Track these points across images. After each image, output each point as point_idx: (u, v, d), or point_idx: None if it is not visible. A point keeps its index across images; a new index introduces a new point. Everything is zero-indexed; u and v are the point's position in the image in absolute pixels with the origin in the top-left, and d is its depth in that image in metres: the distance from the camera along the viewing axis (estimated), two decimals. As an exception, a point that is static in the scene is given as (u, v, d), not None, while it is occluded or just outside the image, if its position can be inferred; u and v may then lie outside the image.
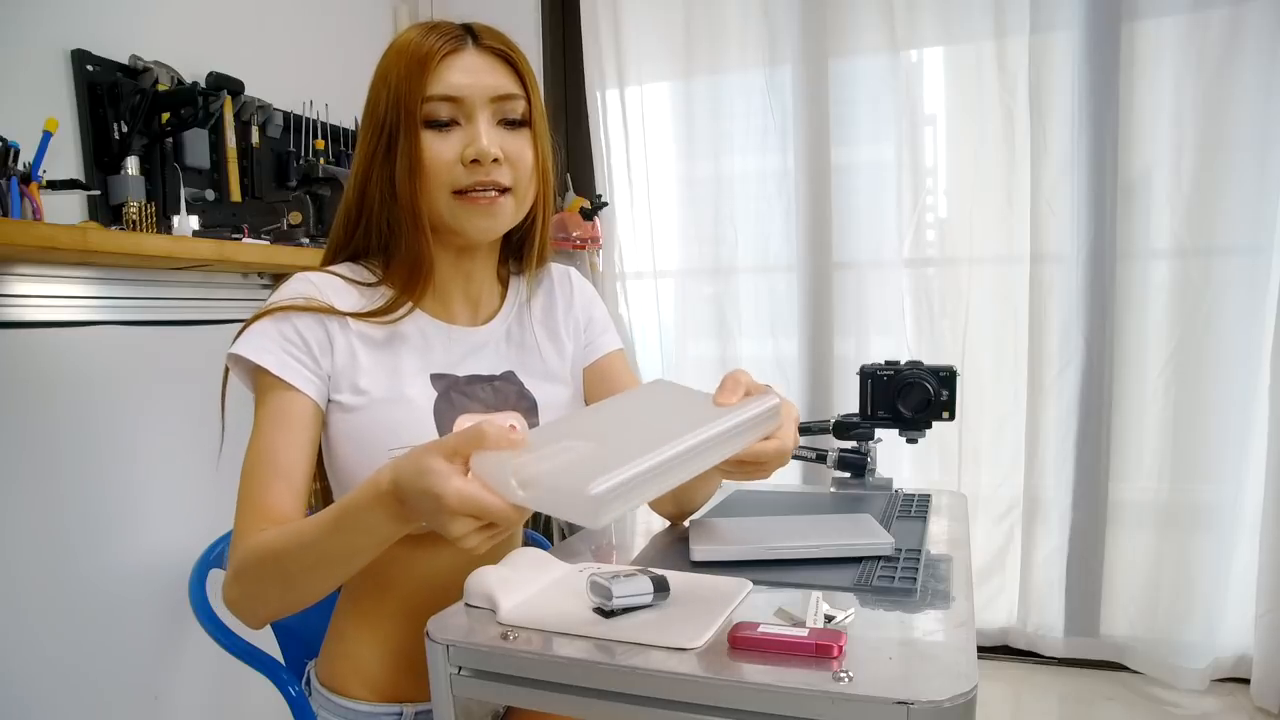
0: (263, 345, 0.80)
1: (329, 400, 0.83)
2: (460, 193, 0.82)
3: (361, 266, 0.89)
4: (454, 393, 0.86)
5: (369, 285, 0.87)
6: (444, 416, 0.84)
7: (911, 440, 1.19)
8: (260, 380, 0.81)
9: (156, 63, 1.58)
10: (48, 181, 1.31)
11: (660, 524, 0.99)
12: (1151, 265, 2.02)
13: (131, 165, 1.48)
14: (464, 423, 0.85)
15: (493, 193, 0.82)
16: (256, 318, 0.82)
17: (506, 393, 0.90)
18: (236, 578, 0.75)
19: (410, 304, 0.86)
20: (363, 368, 0.83)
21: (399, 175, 0.81)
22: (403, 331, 0.87)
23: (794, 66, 2.25)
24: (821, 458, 1.21)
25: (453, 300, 0.91)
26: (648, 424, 0.65)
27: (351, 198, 0.87)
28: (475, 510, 0.58)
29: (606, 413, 0.72)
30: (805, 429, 1.30)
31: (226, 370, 0.84)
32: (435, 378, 0.86)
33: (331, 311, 0.83)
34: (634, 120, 2.41)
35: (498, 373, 0.91)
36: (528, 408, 0.91)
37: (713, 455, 0.63)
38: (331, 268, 0.88)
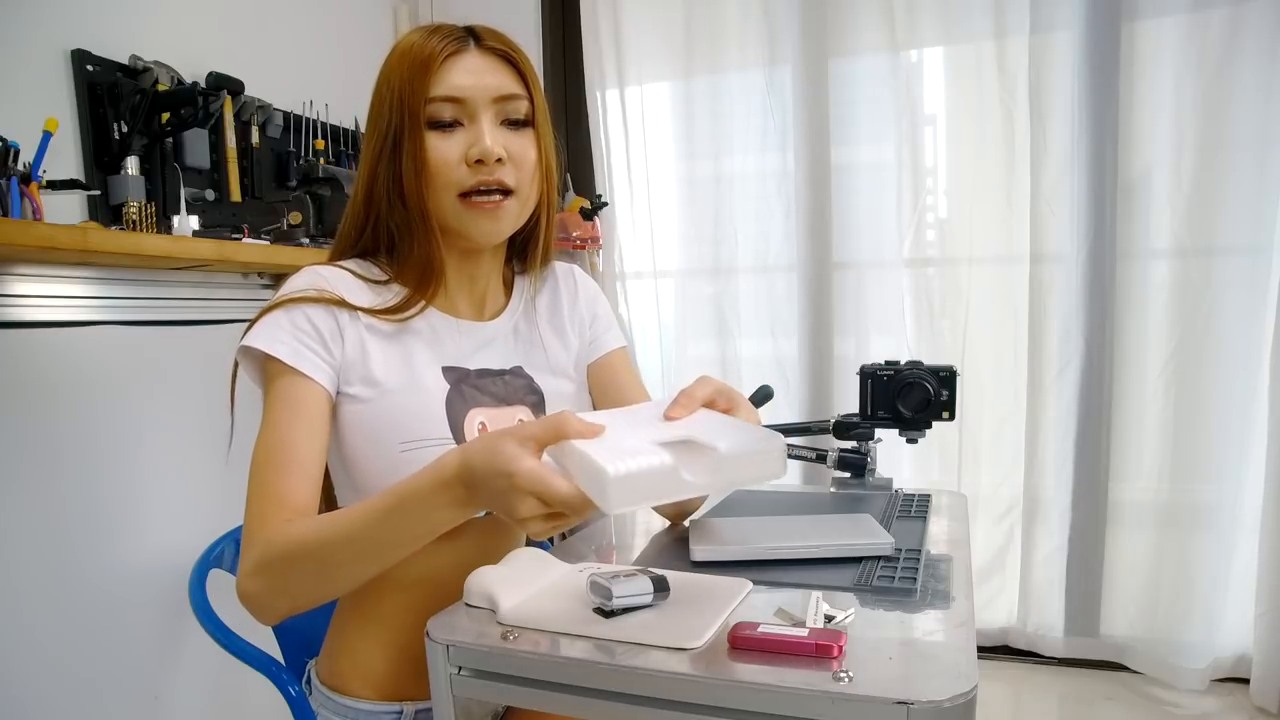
0: (275, 335, 0.80)
1: (339, 392, 0.83)
2: (465, 196, 0.82)
3: (371, 264, 0.89)
4: (465, 385, 0.86)
5: (379, 283, 0.87)
6: (455, 409, 0.84)
7: (911, 440, 1.19)
8: (271, 370, 0.80)
9: (156, 63, 1.58)
10: (48, 181, 1.31)
11: (660, 524, 0.99)
12: (1151, 265, 2.02)
13: (131, 165, 1.48)
14: (475, 417, 0.85)
15: (497, 196, 0.83)
16: (267, 310, 0.81)
17: (516, 386, 0.91)
18: (261, 570, 0.73)
19: (423, 303, 0.87)
20: (374, 359, 0.83)
21: (405, 177, 0.82)
22: (413, 326, 0.87)
23: (794, 66, 2.25)
24: (821, 458, 1.21)
25: (459, 300, 0.91)
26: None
27: (359, 200, 0.87)
28: (542, 490, 0.60)
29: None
30: (805, 429, 1.30)
31: (235, 367, 0.84)
32: (447, 370, 0.87)
33: (343, 304, 0.83)
34: (634, 120, 2.41)
35: (507, 366, 0.92)
36: (536, 401, 0.91)
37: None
38: (341, 262, 0.88)
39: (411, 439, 0.81)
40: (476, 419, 0.85)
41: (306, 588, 0.74)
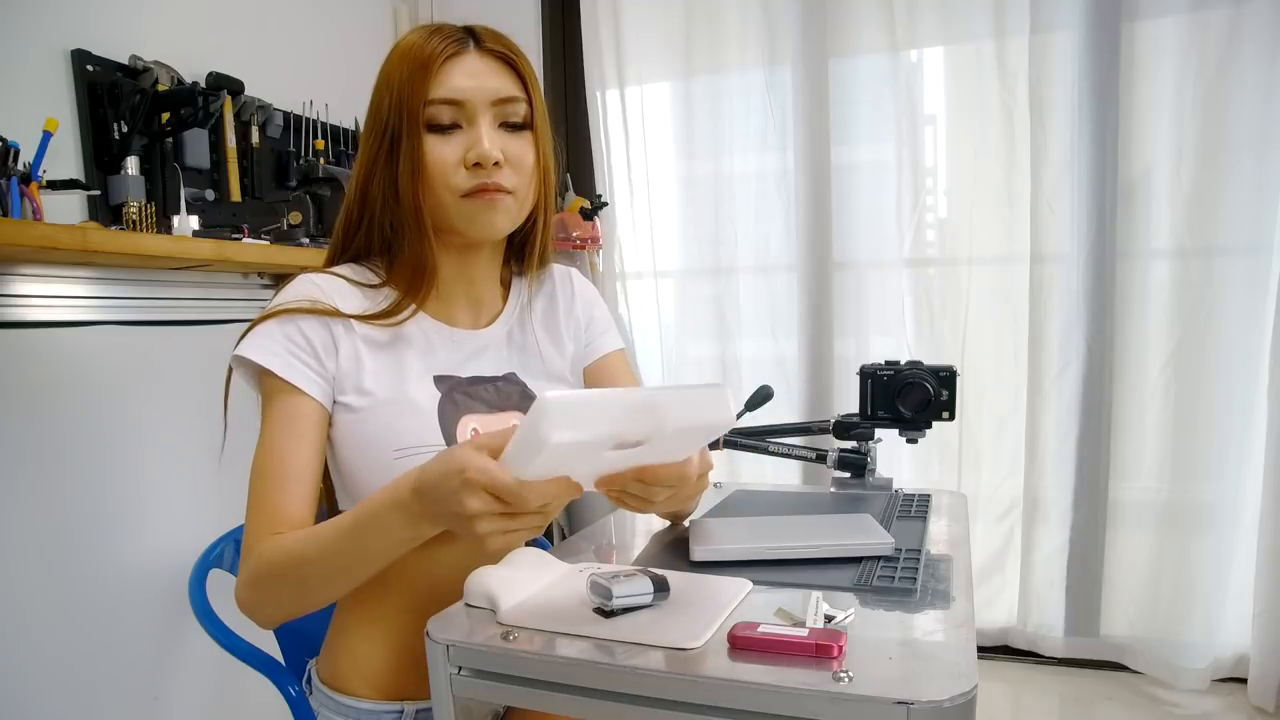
0: (268, 347, 0.80)
1: (334, 402, 0.83)
2: (463, 195, 0.82)
3: (364, 268, 0.90)
4: (458, 394, 0.87)
5: (372, 287, 0.87)
6: (447, 418, 0.84)
7: (911, 440, 1.19)
8: (266, 383, 0.81)
9: (156, 63, 1.58)
10: (48, 181, 1.31)
11: (660, 524, 0.99)
12: (1151, 265, 2.02)
13: (131, 165, 1.48)
14: (468, 424, 0.85)
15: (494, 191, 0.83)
16: (261, 319, 0.82)
17: (509, 393, 0.91)
18: (251, 582, 0.76)
19: (414, 306, 0.87)
20: (367, 369, 0.83)
21: (401, 178, 0.82)
22: (406, 333, 0.87)
23: (794, 66, 2.25)
24: (821, 458, 1.21)
25: (455, 303, 0.91)
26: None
27: (353, 200, 0.87)
28: (490, 481, 0.60)
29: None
30: (805, 429, 1.30)
31: (230, 371, 0.84)
32: (439, 379, 0.87)
33: (336, 314, 0.83)
34: (634, 120, 2.41)
35: (500, 374, 0.91)
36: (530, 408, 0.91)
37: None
38: (334, 269, 0.88)
39: (404, 446, 0.81)
40: (469, 425, 0.85)
41: (291, 599, 0.77)
